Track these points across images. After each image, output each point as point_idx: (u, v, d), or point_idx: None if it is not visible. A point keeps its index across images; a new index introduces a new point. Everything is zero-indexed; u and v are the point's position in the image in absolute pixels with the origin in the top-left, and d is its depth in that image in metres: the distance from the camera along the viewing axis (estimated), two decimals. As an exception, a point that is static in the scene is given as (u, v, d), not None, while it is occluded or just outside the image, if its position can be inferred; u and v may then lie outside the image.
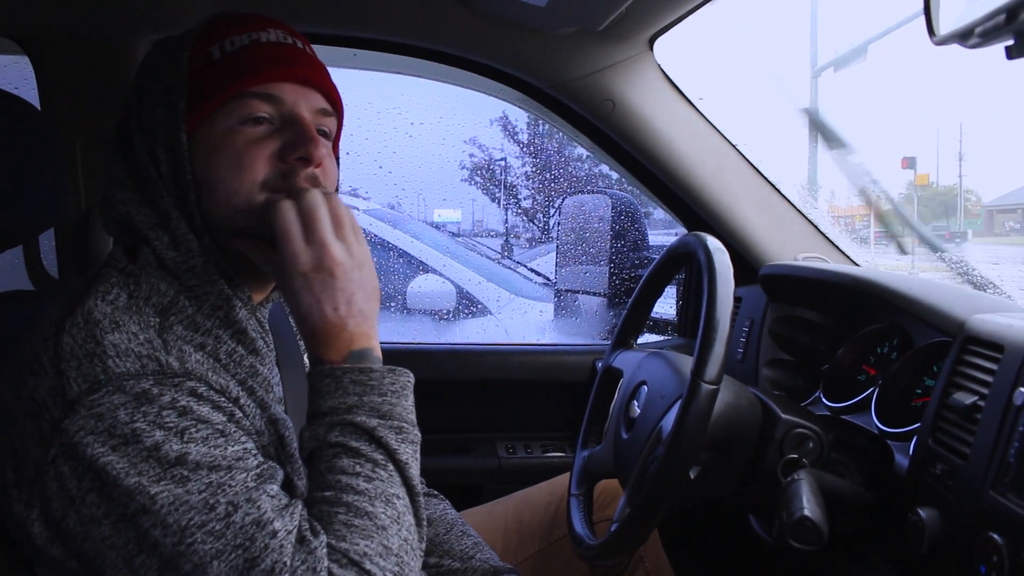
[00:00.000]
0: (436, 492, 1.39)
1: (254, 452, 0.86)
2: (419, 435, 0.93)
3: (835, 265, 1.83)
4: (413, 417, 0.93)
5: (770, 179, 1.90)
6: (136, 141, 0.96)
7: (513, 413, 2.08)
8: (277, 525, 0.81)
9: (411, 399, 0.94)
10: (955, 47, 0.92)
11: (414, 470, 0.91)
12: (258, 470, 0.84)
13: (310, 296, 0.91)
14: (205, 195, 0.94)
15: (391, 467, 0.89)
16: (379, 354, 0.94)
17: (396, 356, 1.89)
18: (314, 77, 0.99)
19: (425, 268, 3.64)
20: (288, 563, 0.79)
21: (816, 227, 1.90)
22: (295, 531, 0.82)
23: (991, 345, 1.05)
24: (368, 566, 0.83)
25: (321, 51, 1.82)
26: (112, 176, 0.98)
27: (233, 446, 0.84)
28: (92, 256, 1.58)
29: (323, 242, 0.90)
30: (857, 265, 1.90)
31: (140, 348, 0.84)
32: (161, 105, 0.95)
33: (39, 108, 1.52)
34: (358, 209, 3.88)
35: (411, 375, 0.95)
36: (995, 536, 0.90)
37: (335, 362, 0.91)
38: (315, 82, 0.99)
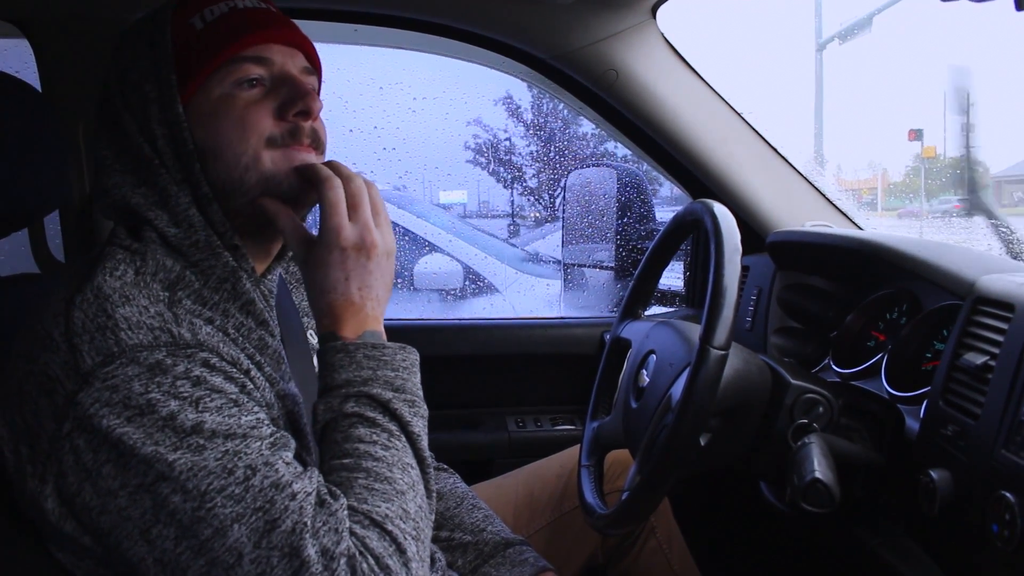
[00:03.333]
0: (446, 466, 1.39)
1: (266, 422, 0.86)
2: (427, 411, 0.96)
3: (842, 230, 1.81)
4: (421, 393, 0.96)
5: (776, 147, 1.88)
6: (125, 122, 0.95)
7: (522, 387, 2.08)
8: (296, 487, 0.82)
9: (418, 376, 0.96)
10: (963, 3, 0.91)
11: (425, 443, 0.93)
12: (272, 439, 0.85)
13: (341, 272, 0.93)
14: (210, 162, 0.95)
15: (404, 439, 0.91)
16: (385, 338, 0.96)
17: (405, 332, 1.91)
18: (297, 38, 1.01)
19: (432, 247, 3.65)
20: (309, 524, 0.80)
21: (823, 194, 1.89)
22: (314, 493, 0.82)
23: (1002, 305, 1.05)
24: (390, 527, 0.84)
25: (322, 27, 1.82)
26: (101, 162, 0.98)
27: (246, 416, 0.84)
28: (97, 238, 1.58)
29: (366, 223, 0.94)
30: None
31: (151, 320, 0.85)
32: (150, 81, 0.95)
33: (40, 91, 1.52)
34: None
35: (417, 353, 0.97)
36: (1007, 495, 0.90)
37: (348, 339, 0.93)
38: (299, 43, 1.01)
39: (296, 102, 0.96)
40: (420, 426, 0.93)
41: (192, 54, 0.95)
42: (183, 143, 0.94)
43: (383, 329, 0.97)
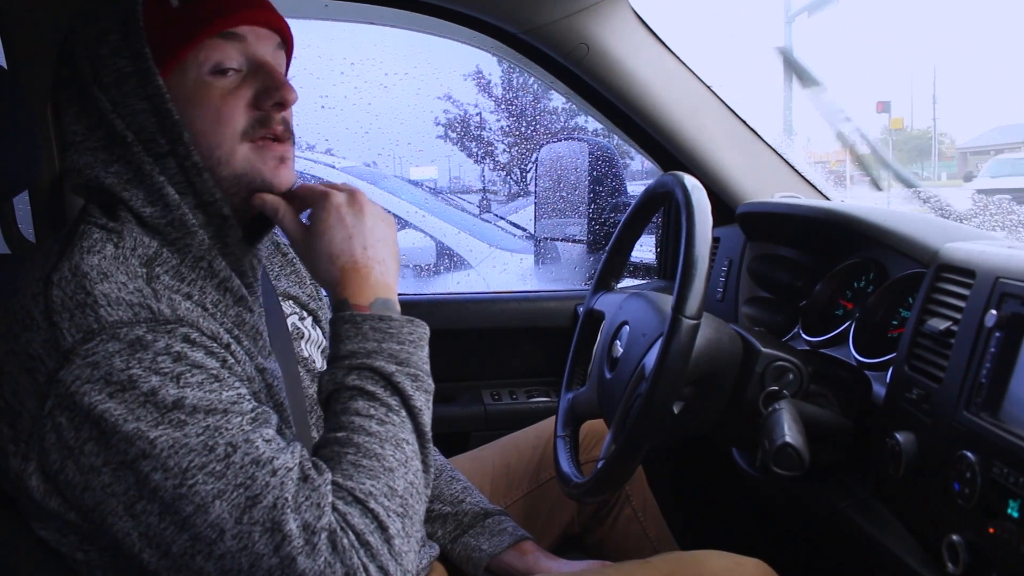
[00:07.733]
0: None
1: (247, 397, 0.87)
2: (432, 385, 0.96)
3: (810, 200, 1.84)
4: (428, 368, 0.96)
5: (745, 119, 1.90)
6: (96, 97, 0.93)
7: (497, 360, 2.10)
8: (277, 464, 0.82)
9: (426, 350, 0.96)
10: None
11: (426, 417, 0.93)
12: (253, 414, 0.85)
13: (342, 231, 0.95)
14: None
15: (404, 413, 0.91)
16: (399, 308, 0.97)
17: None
18: (274, 19, 0.99)
19: (404, 224, 3.64)
20: (291, 499, 0.81)
21: (791, 166, 1.91)
22: (296, 468, 0.83)
23: (963, 272, 1.08)
24: (372, 505, 0.84)
25: (293, 1, 1.80)
26: (69, 139, 0.95)
27: (227, 391, 0.85)
28: (68, 218, 1.56)
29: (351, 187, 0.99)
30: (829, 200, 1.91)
31: (131, 296, 0.85)
32: (123, 56, 0.92)
33: (6, 68, 1.50)
34: (335, 167, 3.86)
35: (427, 327, 0.98)
36: (968, 454, 0.93)
37: (360, 307, 0.94)
38: (275, 24, 1.00)
39: (272, 93, 0.95)
40: (422, 400, 0.93)
41: (167, 33, 0.92)
42: (167, 114, 0.92)
43: (396, 299, 0.97)
